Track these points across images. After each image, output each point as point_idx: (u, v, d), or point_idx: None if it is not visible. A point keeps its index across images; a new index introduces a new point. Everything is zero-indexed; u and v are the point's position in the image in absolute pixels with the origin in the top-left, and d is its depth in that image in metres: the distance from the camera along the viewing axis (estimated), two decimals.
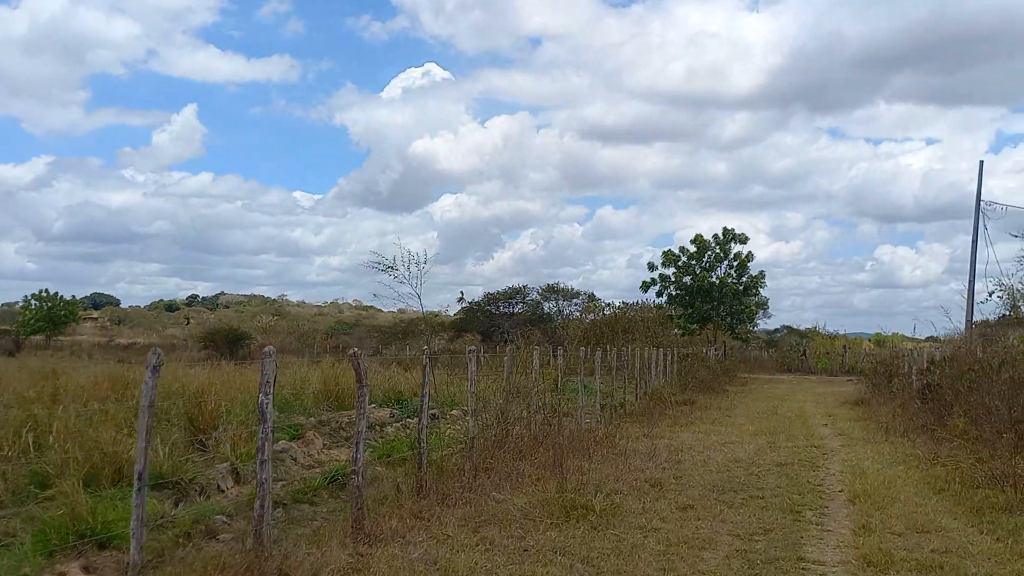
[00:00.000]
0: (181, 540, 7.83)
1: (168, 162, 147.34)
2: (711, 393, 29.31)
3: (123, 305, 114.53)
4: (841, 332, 63.07)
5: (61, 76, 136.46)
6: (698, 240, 52.34)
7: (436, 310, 53.61)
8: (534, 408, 14.20)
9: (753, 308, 52.25)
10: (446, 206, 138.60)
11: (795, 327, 71.04)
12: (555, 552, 7.94)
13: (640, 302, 50.31)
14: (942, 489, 11.30)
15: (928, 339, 48.23)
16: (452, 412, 18.12)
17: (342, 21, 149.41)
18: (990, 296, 35.30)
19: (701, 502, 10.48)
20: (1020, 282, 32.04)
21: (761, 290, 52.64)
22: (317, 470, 12.61)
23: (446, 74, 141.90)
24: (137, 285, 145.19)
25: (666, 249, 53.47)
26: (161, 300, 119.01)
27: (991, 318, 35.42)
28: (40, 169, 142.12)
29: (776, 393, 32.39)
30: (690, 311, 51.49)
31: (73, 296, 73.61)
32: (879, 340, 61.98)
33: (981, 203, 36.98)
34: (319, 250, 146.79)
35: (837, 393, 31.75)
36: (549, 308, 59.17)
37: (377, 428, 17.27)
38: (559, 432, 13.97)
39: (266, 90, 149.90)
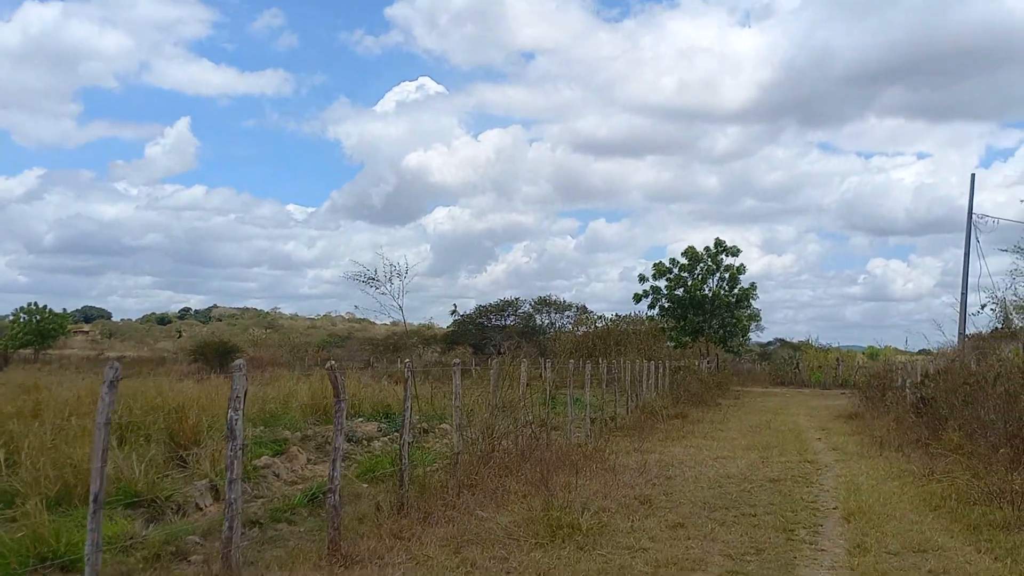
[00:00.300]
0: (149, 562, 7.53)
1: (161, 175, 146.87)
2: (703, 406, 29.02)
3: (115, 318, 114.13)
4: (834, 345, 63.04)
5: (53, 88, 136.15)
6: (690, 252, 52.15)
7: (429, 322, 53.34)
8: (522, 422, 13.91)
9: (745, 320, 52.02)
10: (439, 219, 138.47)
11: (788, 340, 70.86)
12: (539, 574, 7.65)
13: (633, 314, 50.21)
14: (938, 506, 11.03)
15: (920, 352, 48.10)
16: (442, 426, 17.84)
17: (335, 35, 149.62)
18: (983, 309, 35.18)
19: (692, 520, 10.19)
20: (1015, 294, 31.92)
21: (753, 302, 52.45)
22: (299, 487, 12.31)
23: (439, 88, 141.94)
24: (129, 298, 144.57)
25: (657, 261, 53.30)
26: (153, 313, 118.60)
27: (984, 331, 35.31)
28: (32, 182, 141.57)
29: (769, 406, 32.13)
30: (682, 324, 51.25)
31: (64, 309, 73.37)
32: (872, 353, 61.87)
33: (973, 216, 36.86)
34: (312, 263, 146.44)
35: (831, 406, 31.49)
36: (541, 321, 59.01)
37: (364, 442, 17.00)
38: (547, 447, 13.68)
39: (259, 103, 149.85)
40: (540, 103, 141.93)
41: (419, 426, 18.68)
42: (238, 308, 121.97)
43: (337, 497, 7.81)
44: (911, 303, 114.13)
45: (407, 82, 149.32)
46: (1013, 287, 30.22)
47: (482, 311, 61.34)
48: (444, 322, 55.06)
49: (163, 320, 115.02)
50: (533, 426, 14.32)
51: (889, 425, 20.34)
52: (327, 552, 7.76)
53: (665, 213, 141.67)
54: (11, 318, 66.25)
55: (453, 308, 64.22)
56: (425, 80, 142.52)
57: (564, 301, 59.91)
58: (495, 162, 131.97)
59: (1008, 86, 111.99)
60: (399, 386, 22.25)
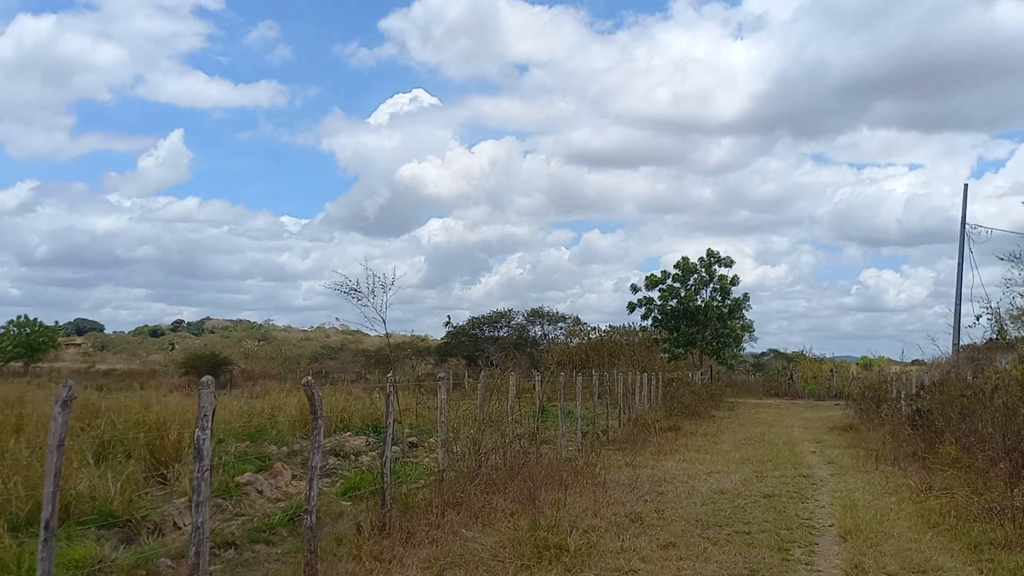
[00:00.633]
0: None
1: (154, 187, 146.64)
2: (697, 418, 28.71)
3: (107, 331, 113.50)
4: (828, 356, 62.84)
5: (47, 101, 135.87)
6: (683, 263, 51.88)
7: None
8: (510, 437, 13.60)
9: (739, 331, 51.72)
10: (433, 230, 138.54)
11: (782, 351, 70.87)
12: None
13: (627, 325, 49.92)
14: (937, 523, 10.72)
15: (914, 362, 47.89)
16: (431, 440, 17.53)
17: (330, 47, 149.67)
18: (978, 320, 34.94)
19: (684, 539, 9.87)
20: (1012, 303, 31.67)
21: (746, 312, 52.17)
22: (282, 504, 11.97)
23: (434, 100, 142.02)
24: (122, 310, 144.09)
25: (650, 273, 53.02)
26: (146, 325, 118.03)
27: (978, 342, 35.05)
28: (24, 194, 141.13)
29: (763, 418, 31.83)
30: (675, 335, 50.96)
31: (56, 322, 72.85)
32: (866, 363, 61.66)
33: (966, 226, 36.68)
34: (306, 275, 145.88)
35: (825, 418, 31.22)
36: (534, 332, 58.76)
37: (352, 457, 16.67)
38: (537, 462, 13.37)
39: (253, 116, 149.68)
40: (534, 115, 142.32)
41: (407, 440, 18.38)
42: (231, 320, 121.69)
43: (313, 518, 7.49)
44: (904, 313, 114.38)
45: (401, 94, 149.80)
46: (1011, 297, 29.95)
47: (475, 323, 61.12)
48: (437, 333, 54.74)
49: (156, 332, 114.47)
50: (522, 440, 14.02)
51: (884, 438, 20.09)
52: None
53: (659, 224, 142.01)
54: (1, 331, 65.62)
55: (447, 320, 63.89)
56: (419, 92, 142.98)
57: (557, 312, 59.78)
58: (489, 174, 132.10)
59: (999, 97, 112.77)
60: (396, 400, 21.99)
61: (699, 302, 50.81)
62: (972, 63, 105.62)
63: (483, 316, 61.43)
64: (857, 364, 62.98)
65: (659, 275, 52.28)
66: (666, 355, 49.74)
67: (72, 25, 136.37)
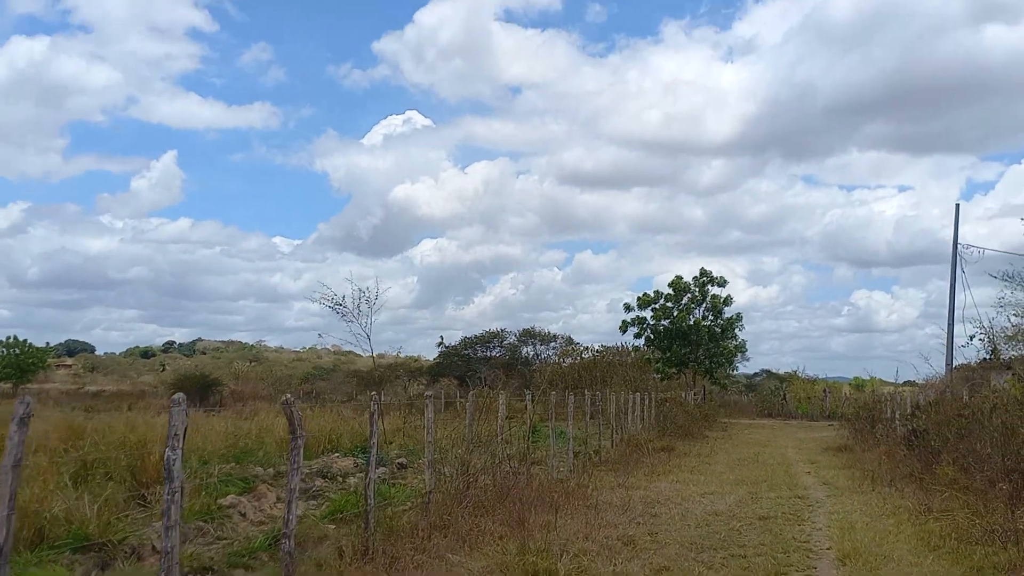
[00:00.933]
0: None
1: (147, 208, 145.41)
2: (690, 439, 28.44)
3: (99, 352, 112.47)
4: (820, 376, 62.59)
5: (39, 122, 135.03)
6: (676, 282, 51.73)
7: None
8: (500, 457, 13.30)
9: (731, 351, 51.51)
10: (426, 251, 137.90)
11: (775, 371, 70.55)
12: None
13: (619, 345, 49.67)
14: (937, 546, 10.43)
15: (906, 383, 47.65)
16: (420, 461, 17.23)
17: (323, 69, 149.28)
18: (971, 340, 34.78)
19: (677, 563, 9.58)
20: (1008, 321, 31.52)
21: (738, 332, 51.99)
22: (266, 527, 11.64)
23: (427, 121, 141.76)
24: (113, 331, 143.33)
25: (643, 293, 52.83)
26: (137, 347, 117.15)
27: (972, 361, 34.89)
28: (16, 215, 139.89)
29: (757, 439, 31.57)
30: (668, 354, 50.73)
31: (47, 343, 72.29)
32: (858, 384, 61.47)
33: (958, 246, 36.64)
34: (298, 295, 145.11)
35: (819, 439, 30.98)
36: (527, 352, 58.50)
37: (340, 478, 16.38)
38: (527, 483, 13.07)
39: (247, 137, 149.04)
40: (527, 136, 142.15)
41: (396, 461, 18.08)
42: (223, 341, 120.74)
43: (291, 543, 7.19)
44: (895, 334, 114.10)
45: (394, 115, 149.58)
46: (1006, 316, 29.81)
47: (467, 343, 60.84)
48: (430, 354, 54.40)
49: (147, 354, 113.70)
50: (512, 461, 13.72)
51: (880, 458, 19.84)
52: None
53: (651, 244, 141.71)
54: None
55: (440, 340, 63.59)
56: (412, 113, 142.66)
57: (549, 332, 59.54)
58: (482, 194, 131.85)
59: (988, 119, 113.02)
60: (380, 419, 21.74)
61: (691, 321, 50.64)
62: (961, 85, 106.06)
63: (475, 336, 61.21)
64: (850, 384, 62.80)
65: (652, 295, 52.14)
66: (659, 375, 49.47)
67: (66, 47, 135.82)
